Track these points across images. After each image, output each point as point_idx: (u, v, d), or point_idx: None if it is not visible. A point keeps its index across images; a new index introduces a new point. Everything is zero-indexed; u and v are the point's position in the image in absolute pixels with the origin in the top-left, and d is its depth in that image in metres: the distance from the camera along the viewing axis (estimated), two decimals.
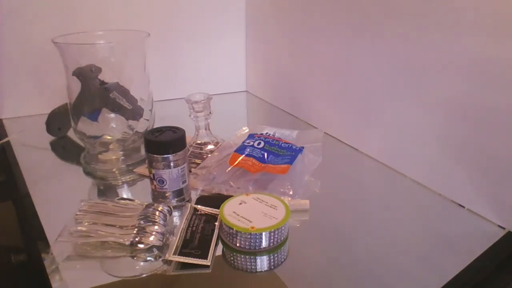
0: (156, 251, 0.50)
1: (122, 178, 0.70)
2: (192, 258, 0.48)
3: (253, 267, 0.50)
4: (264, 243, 0.50)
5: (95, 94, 0.68)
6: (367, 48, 0.73)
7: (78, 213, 0.53)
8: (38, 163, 0.76)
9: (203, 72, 1.11)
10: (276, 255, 0.51)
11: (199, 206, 0.58)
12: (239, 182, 0.63)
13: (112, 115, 0.70)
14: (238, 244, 0.51)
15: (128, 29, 0.73)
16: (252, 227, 0.50)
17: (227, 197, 0.57)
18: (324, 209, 0.62)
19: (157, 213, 0.53)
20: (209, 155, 0.71)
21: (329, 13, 0.81)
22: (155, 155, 0.56)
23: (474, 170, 0.58)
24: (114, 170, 0.72)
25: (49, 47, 0.65)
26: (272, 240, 0.50)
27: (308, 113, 0.94)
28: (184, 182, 0.60)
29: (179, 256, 0.48)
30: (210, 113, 0.73)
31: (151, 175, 0.58)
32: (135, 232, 0.50)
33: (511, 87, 0.52)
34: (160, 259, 0.49)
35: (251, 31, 1.12)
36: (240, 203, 0.55)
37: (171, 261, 0.49)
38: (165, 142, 0.56)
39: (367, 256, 0.52)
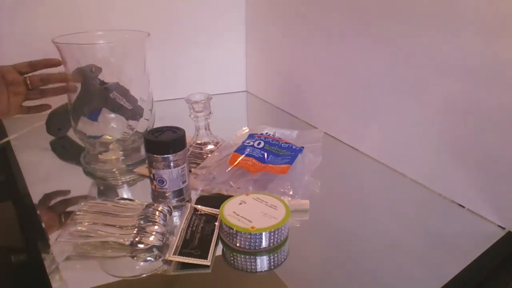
0: (156, 251, 0.50)
1: (122, 178, 0.70)
2: (192, 258, 0.48)
3: (253, 267, 0.49)
4: (264, 243, 0.50)
5: (95, 94, 0.68)
6: (367, 48, 0.73)
7: (78, 213, 0.53)
8: (38, 163, 0.76)
9: (203, 72, 1.11)
10: (276, 255, 0.51)
11: (199, 206, 0.58)
12: (239, 182, 0.63)
13: (112, 115, 0.70)
14: (238, 244, 0.51)
15: (128, 29, 0.73)
16: (252, 227, 0.50)
17: (227, 197, 0.57)
18: (324, 209, 0.62)
19: (157, 213, 0.53)
20: (209, 155, 0.71)
21: (329, 13, 0.81)
22: (155, 155, 0.56)
23: (474, 170, 0.58)
24: (114, 170, 0.72)
25: (49, 47, 0.65)
26: (272, 240, 0.50)
27: (308, 113, 0.94)
28: (184, 182, 0.60)
29: (179, 256, 0.48)
30: (210, 113, 0.73)
31: (151, 175, 0.58)
32: (135, 232, 0.50)
33: (511, 87, 0.52)
34: (160, 259, 0.49)
35: (251, 31, 1.12)
36: (240, 203, 0.55)
37: (171, 261, 0.49)
38: (165, 142, 0.56)
39: (367, 256, 0.52)
